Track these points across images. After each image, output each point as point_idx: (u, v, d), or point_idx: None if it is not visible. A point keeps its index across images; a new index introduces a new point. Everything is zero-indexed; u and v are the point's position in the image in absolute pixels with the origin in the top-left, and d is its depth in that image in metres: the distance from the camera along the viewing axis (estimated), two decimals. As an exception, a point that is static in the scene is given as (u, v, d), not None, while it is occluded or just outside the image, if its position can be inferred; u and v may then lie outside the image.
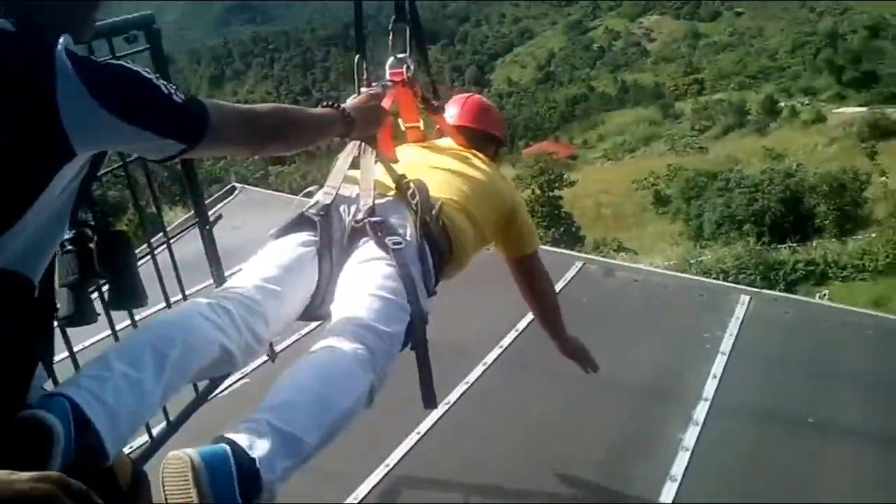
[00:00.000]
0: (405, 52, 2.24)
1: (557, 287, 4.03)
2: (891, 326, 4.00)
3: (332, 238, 1.84)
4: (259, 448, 1.21)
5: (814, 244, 19.45)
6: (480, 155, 2.32)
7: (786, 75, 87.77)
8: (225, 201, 6.32)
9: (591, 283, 4.59)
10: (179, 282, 2.29)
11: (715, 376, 3.41)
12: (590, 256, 5.30)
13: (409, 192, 1.89)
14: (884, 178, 25.95)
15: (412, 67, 2.24)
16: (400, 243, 1.72)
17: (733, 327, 3.85)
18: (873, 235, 19.02)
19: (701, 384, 3.35)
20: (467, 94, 2.66)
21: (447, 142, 2.43)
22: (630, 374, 3.49)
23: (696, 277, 6.71)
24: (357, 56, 2.18)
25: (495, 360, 3.59)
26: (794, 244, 19.39)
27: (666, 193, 31.24)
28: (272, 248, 1.82)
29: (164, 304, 2.17)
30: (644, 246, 24.67)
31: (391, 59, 2.24)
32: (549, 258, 4.12)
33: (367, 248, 1.76)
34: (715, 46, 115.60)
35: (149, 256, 2.19)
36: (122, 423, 1.25)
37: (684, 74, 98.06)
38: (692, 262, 19.10)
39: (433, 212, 1.88)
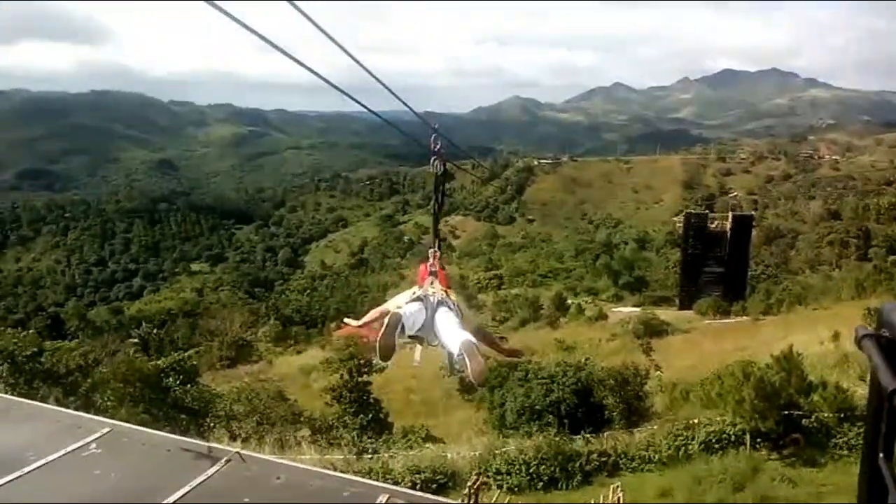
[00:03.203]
0: (436, 248, 5.19)
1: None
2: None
3: (427, 305, 4.57)
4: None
5: (605, 435, 20.50)
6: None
7: (572, 276, 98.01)
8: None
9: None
10: None
11: None
12: (396, 489, 5.12)
13: (449, 293, 4.82)
14: (658, 373, 28.81)
15: (439, 255, 5.13)
16: (455, 305, 4.66)
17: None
18: (655, 427, 20.53)
19: None
20: (440, 267, 5.05)
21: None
22: None
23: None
24: (432, 250, 5.17)
25: None
26: (588, 435, 20.28)
27: (471, 381, 32.04)
28: (414, 303, 4.55)
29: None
30: (451, 434, 24.59)
31: (431, 251, 5.16)
32: (354, 489, 3.91)
33: (446, 307, 4.59)
34: (511, 247, 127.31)
35: None
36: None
37: (485, 269, 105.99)
38: (497, 452, 19.21)
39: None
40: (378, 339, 4.01)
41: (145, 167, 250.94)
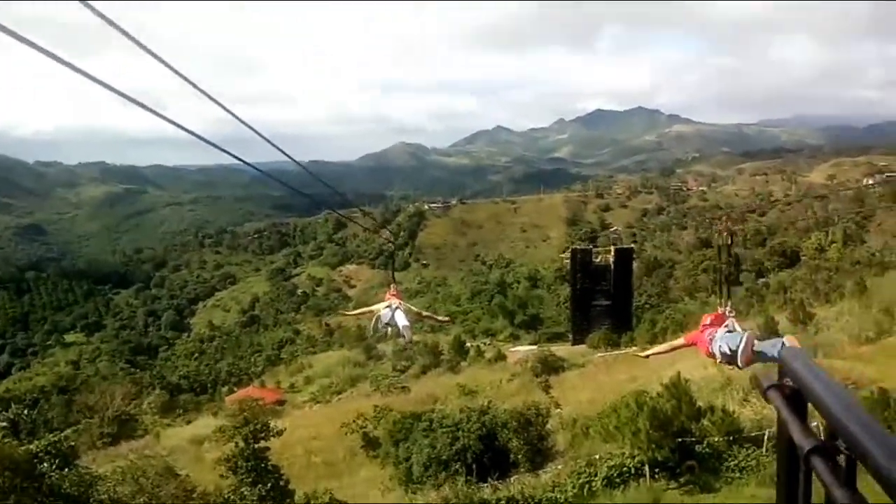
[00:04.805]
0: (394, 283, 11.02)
1: None
2: None
3: (392, 309, 9.98)
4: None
5: (512, 479, 20.51)
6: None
7: (469, 318, 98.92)
8: None
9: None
10: None
11: None
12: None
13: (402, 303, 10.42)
14: (559, 410, 29.28)
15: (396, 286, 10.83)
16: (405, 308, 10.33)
17: None
18: (560, 467, 20.77)
19: None
20: (396, 290, 10.63)
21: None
22: None
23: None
24: (392, 284, 10.80)
25: None
26: (495, 481, 20.22)
27: (374, 436, 31.28)
28: (386, 309, 10.06)
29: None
30: (357, 494, 23.78)
31: (391, 286, 10.74)
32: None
33: (401, 310, 10.00)
34: (407, 293, 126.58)
35: None
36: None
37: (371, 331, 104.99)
38: (405, 510, 18.76)
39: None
40: (372, 323, 10.11)
41: (10, 233, 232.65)
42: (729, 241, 10.19)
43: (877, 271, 50.93)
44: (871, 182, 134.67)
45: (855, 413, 0.92)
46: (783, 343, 7.54)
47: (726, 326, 7.88)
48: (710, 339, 7.88)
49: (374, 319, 10.17)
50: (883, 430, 0.89)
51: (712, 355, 7.91)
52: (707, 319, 8.17)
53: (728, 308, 8.27)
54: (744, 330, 7.83)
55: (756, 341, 7.65)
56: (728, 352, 7.62)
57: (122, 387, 48.68)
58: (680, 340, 9.12)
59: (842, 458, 0.95)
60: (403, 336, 10.12)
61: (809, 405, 1.10)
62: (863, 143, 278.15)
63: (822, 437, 1.00)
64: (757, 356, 7.50)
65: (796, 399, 1.11)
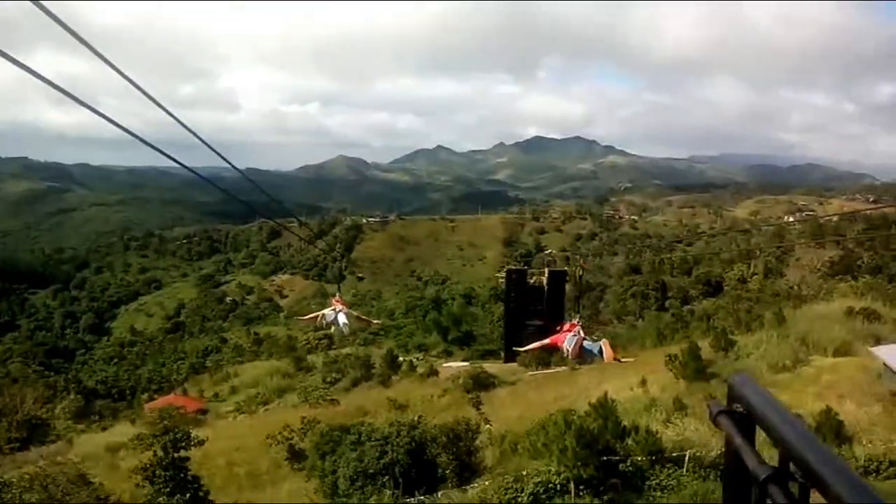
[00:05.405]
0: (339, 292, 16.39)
1: None
2: None
3: (337, 311, 14.56)
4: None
5: (439, 494, 20.40)
6: None
7: (402, 333, 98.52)
8: None
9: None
10: None
11: None
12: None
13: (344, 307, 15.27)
14: (488, 427, 29.36)
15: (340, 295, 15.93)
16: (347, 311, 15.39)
17: None
18: (487, 483, 20.79)
19: None
20: (341, 298, 15.46)
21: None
22: None
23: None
24: (338, 293, 16.27)
25: None
26: (422, 495, 20.07)
27: (300, 448, 30.59)
28: (331, 311, 14.73)
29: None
30: (279, 508, 23.21)
31: (337, 294, 15.90)
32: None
33: (343, 312, 14.61)
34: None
35: None
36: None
37: (315, 329, 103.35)
38: (329, 524, 18.38)
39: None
40: (317, 323, 15.29)
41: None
42: (581, 273, 13.89)
43: (794, 303, 53.25)
44: (791, 219, 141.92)
45: (808, 440, 0.90)
46: (601, 346, 11.44)
47: (574, 332, 11.35)
48: (564, 340, 11.23)
49: (319, 316, 14.70)
50: (837, 457, 0.86)
51: (564, 351, 11.45)
52: (565, 326, 11.65)
53: (577, 319, 11.85)
54: (579, 334, 11.39)
55: (584, 342, 11.30)
56: (569, 348, 11.15)
57: (34, 390, 46.20)
58: (546, 341, 12.51)
59: (794, 486, 0.93)
60: (343, 331, 14.68)
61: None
62: (785, 182, 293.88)
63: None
64: (583, 351, 11.33)
65: (745, 423, 1.09)
